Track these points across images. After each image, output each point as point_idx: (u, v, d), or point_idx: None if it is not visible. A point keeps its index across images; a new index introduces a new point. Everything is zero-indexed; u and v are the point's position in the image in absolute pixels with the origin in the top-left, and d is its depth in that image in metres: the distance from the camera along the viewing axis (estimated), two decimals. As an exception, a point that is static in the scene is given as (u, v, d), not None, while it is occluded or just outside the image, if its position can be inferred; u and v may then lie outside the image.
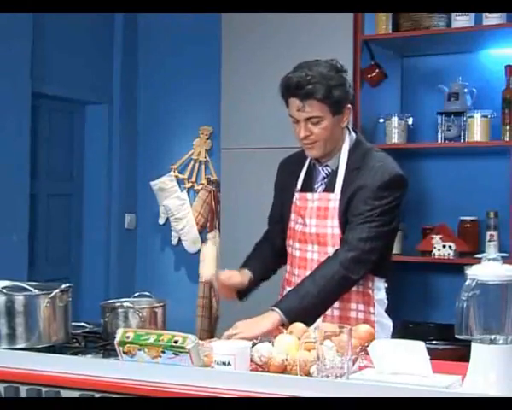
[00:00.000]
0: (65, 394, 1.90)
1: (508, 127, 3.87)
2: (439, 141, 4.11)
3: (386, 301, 2.70)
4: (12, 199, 4.23)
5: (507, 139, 3.87)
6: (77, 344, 2.46)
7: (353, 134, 2.70)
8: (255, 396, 1.74)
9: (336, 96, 2.55)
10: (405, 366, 1.88)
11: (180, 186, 4.98)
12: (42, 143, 4.70)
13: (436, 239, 4.03)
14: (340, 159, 2.65)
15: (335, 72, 2.58)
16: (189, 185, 5.00)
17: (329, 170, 2.68)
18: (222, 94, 4.28)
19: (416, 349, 1.89)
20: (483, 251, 1.85)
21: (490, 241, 3.30)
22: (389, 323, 2.72)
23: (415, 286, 4.33)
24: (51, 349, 2.26)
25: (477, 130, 3.95)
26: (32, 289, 2.28)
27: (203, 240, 4.84)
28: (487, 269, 1.80)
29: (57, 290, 2.29)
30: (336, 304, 2.59)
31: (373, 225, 2.54)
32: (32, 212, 4.44)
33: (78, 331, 2.57)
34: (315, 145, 2.61)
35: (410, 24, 4.03)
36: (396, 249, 3.51)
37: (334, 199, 2.62)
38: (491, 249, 1.82)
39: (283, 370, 2.01)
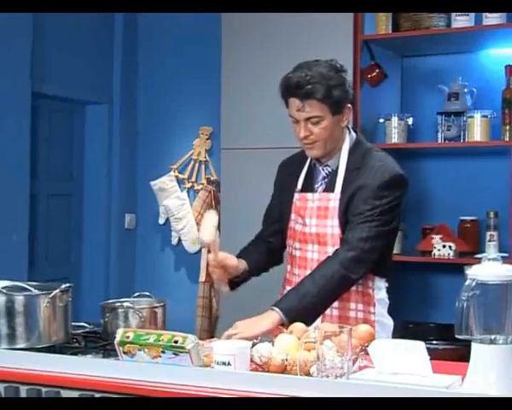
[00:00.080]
0: (65, 394, 1.90)
1: (508, 127, 3.86)
2: (439, 141, 4.11)
3: (387, 301, 2.70)
4: (12, 199, 4.22)
5: (507, 139, 3.87)
6: (77, 344, 2.46)
7: (353, 134, 2.70)
8: (255, 396, 1.73)
9: (336, 96, 2.56)
10: (405, 366, 1.88)
11: (180, 186, 4.98)
12: (42, 143, 4.70)
13: (436, 239, 4.02)
14: (340, 159, 2.65)
15: (335, 72, 2.58)
16: (189, 185, 5.00)
17: (329, 170, 2.68)
18: (222, 94, 4.28)
19: (416, 349, 1.89)
20: (483, 251, 1.85)
21: (490, 241, 3.30)
22: (390, 323, 2.72)
23: (415, 286, 4.33)
24: (51, 349, 2.25)
25: (477, 130, 3.95)
26: (32, 289, 2.28)
27: (203, 240, 4.85)
28: (487, 269, 1.79)
29: (57, 290, 2.28)
30: (336, 304, 2.59)
31: (373, 225, 2.54)
32: (31, 212, 4.43)
33: (78, 331, 2.57)
34: (315, 145, 2.61)
35: (410, 24, 4.02)
36: (396, 249, 3.51)
37: (334, 199, 2.62)
38: (491, 249, 1.82)
39: (283, 370, 2.01)
